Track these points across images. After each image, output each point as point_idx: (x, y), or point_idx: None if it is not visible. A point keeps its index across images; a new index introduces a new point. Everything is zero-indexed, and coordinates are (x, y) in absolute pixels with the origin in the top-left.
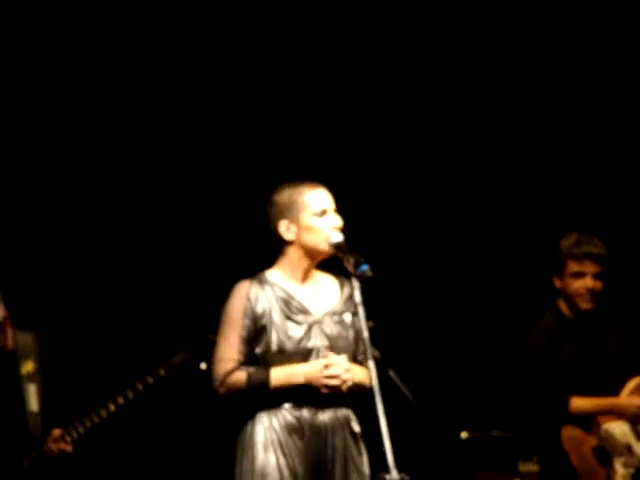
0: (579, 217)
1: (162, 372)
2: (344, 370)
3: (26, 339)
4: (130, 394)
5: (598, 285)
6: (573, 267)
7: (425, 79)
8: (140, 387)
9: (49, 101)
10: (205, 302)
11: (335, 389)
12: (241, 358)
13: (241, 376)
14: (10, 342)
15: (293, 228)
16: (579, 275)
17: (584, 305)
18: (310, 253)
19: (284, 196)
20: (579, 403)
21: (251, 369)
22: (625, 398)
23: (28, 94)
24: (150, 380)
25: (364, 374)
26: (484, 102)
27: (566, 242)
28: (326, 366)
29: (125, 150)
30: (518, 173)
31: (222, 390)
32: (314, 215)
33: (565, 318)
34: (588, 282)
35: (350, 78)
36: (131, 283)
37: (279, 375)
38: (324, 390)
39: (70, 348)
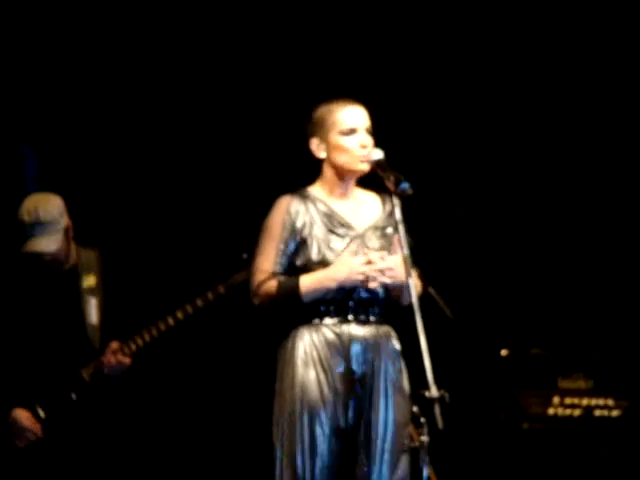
0: None
1: (222, 290)
2: (379, 258)
3: (89, 255)
4: (190, 309)
5: None
6: None
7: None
8: (200, 303)
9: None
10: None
11: (374, 279)
12: (277, 270)
13: (272, 285)
14: (73, 256)
15: (323, 146)
16: None
17: None
18: (341, 171)
19: (317, 113)
20: None
21: (283, 278)
22: None
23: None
24: (210, 297)
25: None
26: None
27: None
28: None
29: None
30: None
31: (256, 300)
32: (342, 134)
33: None
34: None
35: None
36: (193, 203)
37: (308, 280)
38: (365, 283)
39: (132, 266)
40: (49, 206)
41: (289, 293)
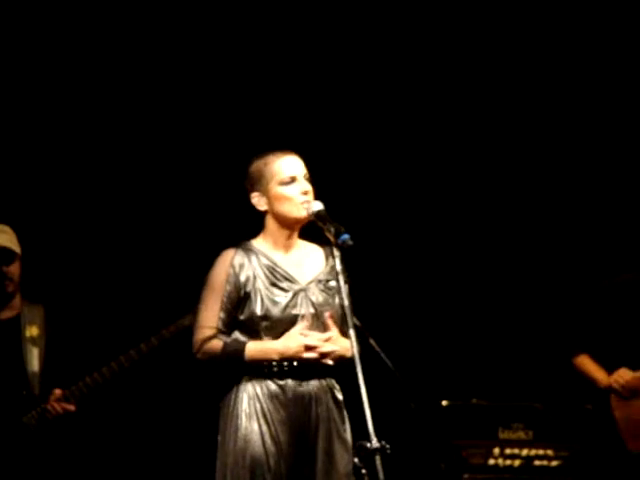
0: None
1: (166, 334)
2: (323, 340)
3: (34, 309)
4: (134, 355)
5: None
6: None
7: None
8: (144, 348)
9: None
10: (207, 268)
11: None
12: (220, 325)
13: (216, 345)
14: (18, 303)
15: (264, 199)
16: None
17: None
18: (284, 222)
19: (253, 168)
20: (583, 362)
21: (228, 339)
22: (605, 376)
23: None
24: (154, 342)
25: (346, 345)
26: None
27: None
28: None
29: (124, 135)
30: None
31: (199, 356)
32: (282, 184)
33: None
34: None
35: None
36: (138, 248)
37: (253, 349)
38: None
39: (76, 317)
40: (7, 227)
41: (233, 356)
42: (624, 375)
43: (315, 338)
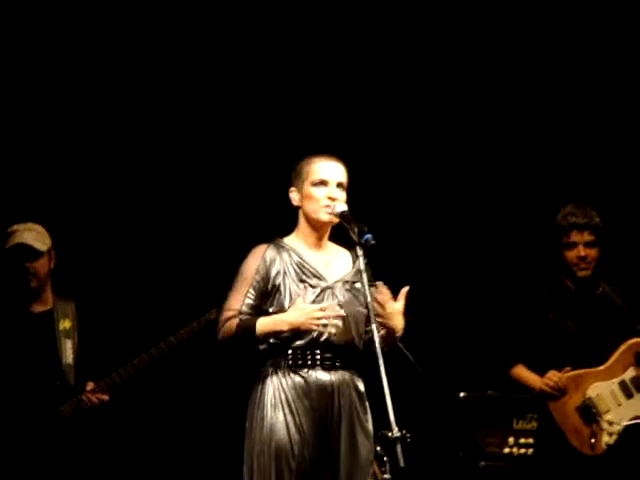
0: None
1: (195, 327)
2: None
3: (66, 304)
4: (164, 347)
5: (590, 253)
6: (565, 239)
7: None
8: (173, 341)
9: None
10: (237, 262)
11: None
12: (243, 309)
13: (233, 322)
14: (50, 298)
15: (298, 195)
16: (571, 245)
17: (580, 273)
18: (311, 220)
19: (299, 164)
20: (518, 372)
21: (244, 317)
22: (538, 380)
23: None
24: (183, 335)
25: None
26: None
27: (559, 215)
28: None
29: (154, 122)
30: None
31: (219, 336)
32: (313, 184)
33: (562, 286)
34: (580, 251)
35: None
36: (167, 244)
37: (264, 321)
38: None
39: (107, 312)
40: (38, 226)
41: (246, 331)
42: (552, 377)
43: (320, 306)
